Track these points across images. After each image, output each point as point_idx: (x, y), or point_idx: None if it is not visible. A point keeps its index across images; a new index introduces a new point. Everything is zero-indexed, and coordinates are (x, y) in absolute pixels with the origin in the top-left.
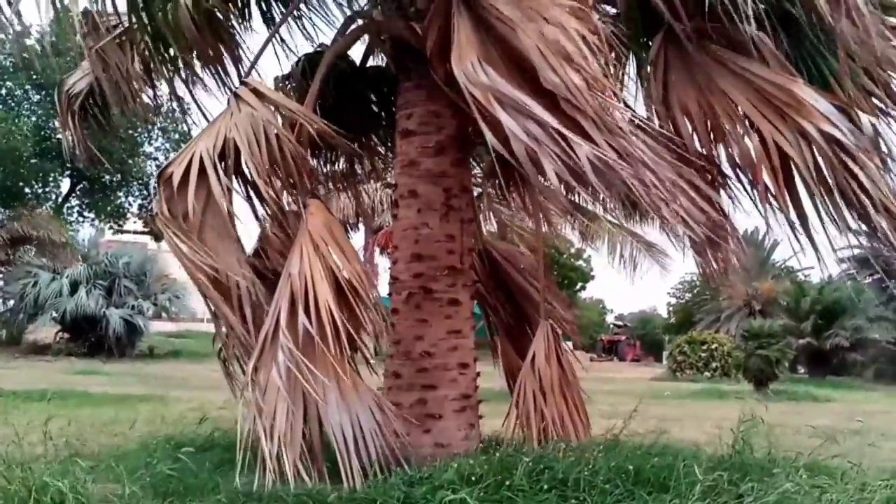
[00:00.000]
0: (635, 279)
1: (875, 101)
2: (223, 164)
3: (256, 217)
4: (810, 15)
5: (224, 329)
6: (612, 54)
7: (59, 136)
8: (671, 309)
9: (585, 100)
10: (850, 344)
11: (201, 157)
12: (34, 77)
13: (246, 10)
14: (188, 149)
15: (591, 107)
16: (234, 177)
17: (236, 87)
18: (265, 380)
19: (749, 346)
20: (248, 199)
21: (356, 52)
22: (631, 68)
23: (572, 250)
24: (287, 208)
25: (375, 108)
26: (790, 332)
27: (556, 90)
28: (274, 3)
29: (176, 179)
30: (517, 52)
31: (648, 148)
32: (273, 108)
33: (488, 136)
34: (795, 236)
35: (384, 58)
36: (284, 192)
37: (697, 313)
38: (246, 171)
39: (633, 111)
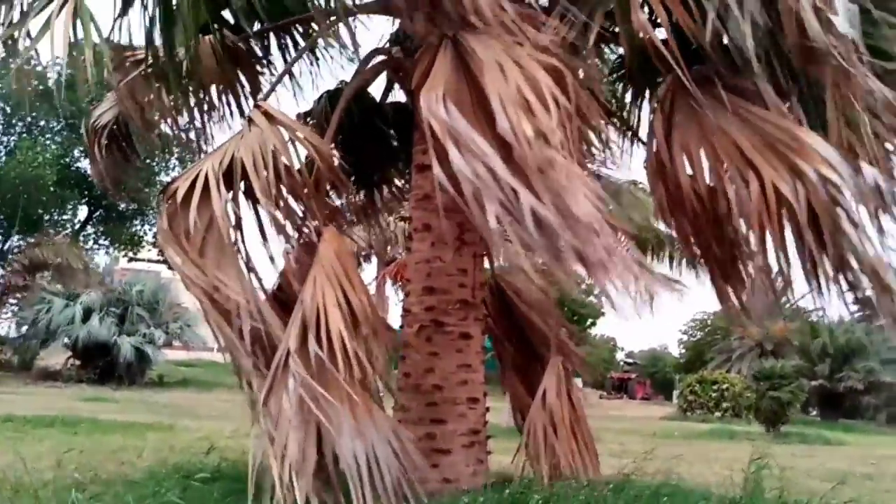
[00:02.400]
0: (647, 316)
1: (888, 146)
2: (229, 182)
3: (264, 239)
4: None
5: (225, 348)
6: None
7: (79, 164)
8: (682, 347)
9: (531, 152)
10: (863, 387)
11: (206, 175)
12: (55, 107)
13: (267, 46)
14: (195, 167)
15: (535, 161)
16: (246, 199)
17: (249, 111)
18: (276, 407)
19: (761, 387)
20: (259, 222)
21: (377, 88)
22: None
23: (583, 286)
24: (302, 236)
25: (394, 143)
26: (802, 373)
27: (506, 137)
28: (290, 41)
29: (179, 196)
30: (484, 95)
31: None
32: (282, 131)
33: (436, 169)
34: (807, 279)
35: (404, 94)
36: (298, 217)
37: (709, 352)
38: (258, 193)
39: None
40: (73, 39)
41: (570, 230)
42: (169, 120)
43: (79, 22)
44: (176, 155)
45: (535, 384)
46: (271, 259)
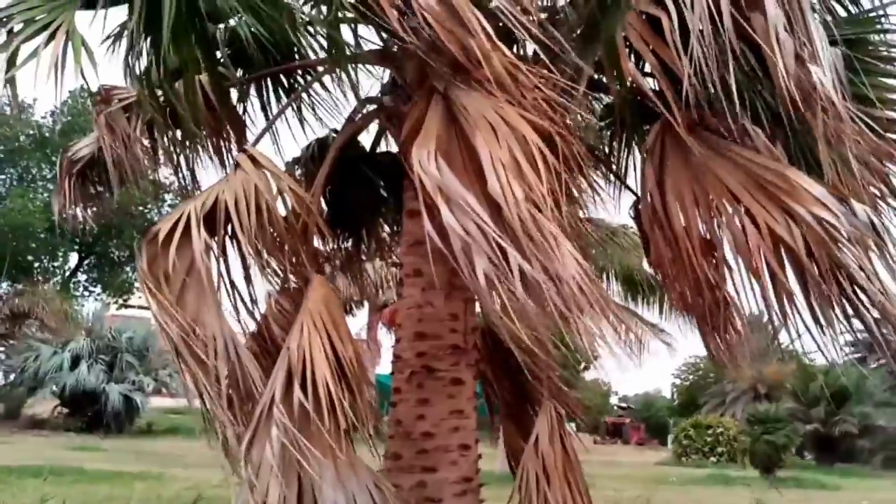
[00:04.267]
0: (641, 361)
1: (874, 190)
2: (213, 225)
3: (248, 283)
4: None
5: (196, 393)
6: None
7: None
8: (675, 391)
9: (520, 215)
10: (857, 430)
11: (188, 216)
12: (48, 153)
13: (262, 92)
14: (178, 209)
15: (522, 222)
16: (231, 242)
17: (236, 156)
18: (258, 456)
19: (755, 431)
20: (243, 265)
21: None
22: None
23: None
24: (287, 282)
25: (384, 191)
26: (797, 416)
27: (496, 197)
28: (280, 89)
29: (161, 237)
30: (475, 154)
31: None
32: (268, 177)
33: (427, 224)
34: (794, 322)
35: (394, 142)
36: (284, 264)
37: (702, 396)
38: (239, 235)
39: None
40: (61, 69)
41: (557, 290)
42: (149, 159)
43: (70, 50)
44: (169, 202)
45: (529, 428)
46: (251, 304)
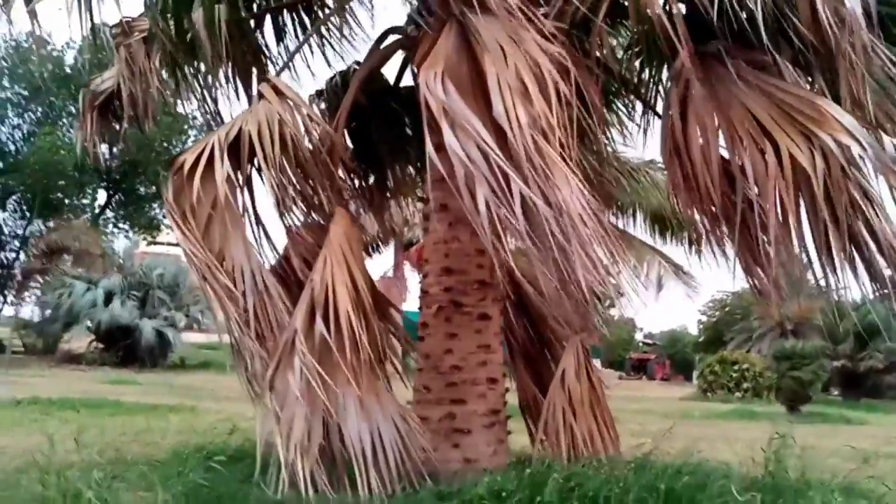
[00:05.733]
0: (664, 298)
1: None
2: (237, 155)
3: (278, 212)
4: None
5: (226, 323)
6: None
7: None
8: (701, 327)
9: (523, 139)
10: (884, 366)
11: (213, 147)
12: (74, 91)
13: (281, 23)
14: (203, 140)
15: (525, 146)
16: (256, 173)
17: (259, 86)
18: (283, 387)
19: (781, 367)
20: (271, 198)
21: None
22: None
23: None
24: (310, 214)
25: (408, 125)
26: (824, 353)
27: (500, 121)
28: (304, 18)
29: (186, 168)
30: (484, 77)
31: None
32: (291, 106)
33: (429, 146)
34: (819, 256)
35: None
36: (307, 197)
37: (728, 332)
38: (263, 166)
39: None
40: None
41: (557, 219)
42: (170, 92)
43: None
44: (193, 137)
45: (541, 371)
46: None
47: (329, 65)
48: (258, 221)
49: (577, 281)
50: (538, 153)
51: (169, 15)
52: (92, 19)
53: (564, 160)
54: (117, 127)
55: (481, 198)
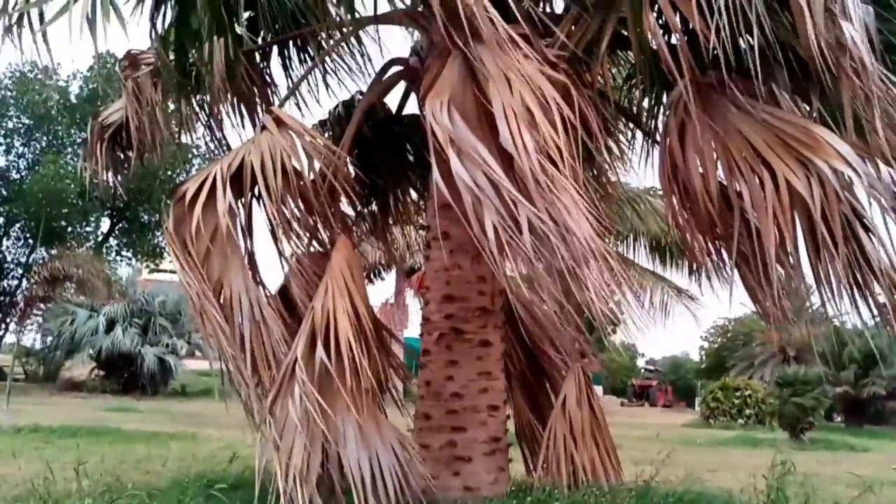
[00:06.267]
0: (667, 324)
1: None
2: (239, 186)
3: (274, 242)
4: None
5: (218, 354)
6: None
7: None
8: (703, 354)
9: (531, 166)
10: (887, 392)
11: (215, 177)
12: (77, 120)
13: (287, 55)
14: (206, 169)
15: (532, 172)
16: (257, 203)
17: (262, 118)
18: (283, 415)
19: (783, 393)
20: (270, 226)
21: (394, 98)
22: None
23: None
24: (311, 243)
25: (410, 153)
26: (826, 379)
27: (507, 147)
28: (304, 51)
29: (188, 197)
30: (489, 105)
31: (589, 223)
32: (294, 137)
33: (436, 174)
34: (817, 281)
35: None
36: (309, 226)
37: (730, 359)
38: (265, 196)
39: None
40: (91, 22)
41: (567, 246)
42: (175, 124)
43: (98, 6)
44: (197, 166)
45: (538, 398)
46: (276, 266)
47: (334, 95)
48: (251, 257)
49: (586, 305)
50: (545, 177)
51: (173, 49)
52: (96, 47)
53: (570, 183)
54: (122, 157)
55: (489, 224)
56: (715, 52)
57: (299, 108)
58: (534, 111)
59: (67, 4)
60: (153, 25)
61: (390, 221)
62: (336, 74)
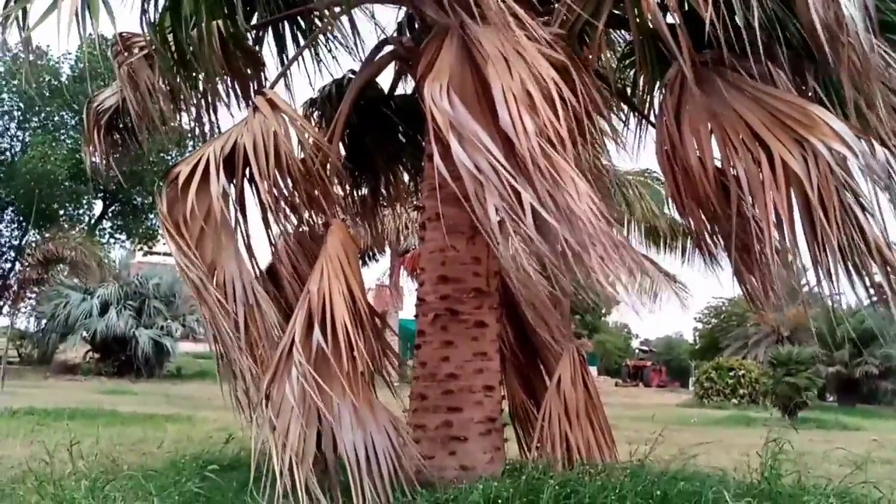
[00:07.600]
0: (658, 305)
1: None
2: (231, 168)
3: (266, 225)
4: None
5: (214, 336)
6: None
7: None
8: (697, 334)
9: (531, 148)
10: (879, 372)
11: (207, 159)
12: (68, 101)
13: (278, 34)
14: (198, 152)
15: (532, 154)
16: (249, 185)
17: (254, 99)
18: (279, 397)
19: (777, 373)
20: (261, 208)
21: (386, 78)
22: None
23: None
24: (301, 225)
25: (402, 134)
26: (819, 359)
27: (507, 130)
28: (297, 30)
29: (181, 180)
30: (488, 87)
31: (593, 205)
32: (286, 120)
33: (437, 158)
34: (813, 261)
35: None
36: (301, 209)
37: (724, 339)
38: (257, 179)
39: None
40: (80, 18)
41: (569, 228)
42: (171, 107)
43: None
44: (190, 148)
45: (531, 379)
46: (268, 247)
47: (329, 73)
48: (246, 237)
49: (589, 287)
50: (546, 160)
51: (169, 31)
52: (81, 30)
53: (571, 165)
54: (119, 141)
55: (491, 207)
56: (714, 29)
57: (289, 88)
58: (533, 93)
59: (55, 3)
60: (144, 12)
61: (383, 202)
62: (329, 52)
